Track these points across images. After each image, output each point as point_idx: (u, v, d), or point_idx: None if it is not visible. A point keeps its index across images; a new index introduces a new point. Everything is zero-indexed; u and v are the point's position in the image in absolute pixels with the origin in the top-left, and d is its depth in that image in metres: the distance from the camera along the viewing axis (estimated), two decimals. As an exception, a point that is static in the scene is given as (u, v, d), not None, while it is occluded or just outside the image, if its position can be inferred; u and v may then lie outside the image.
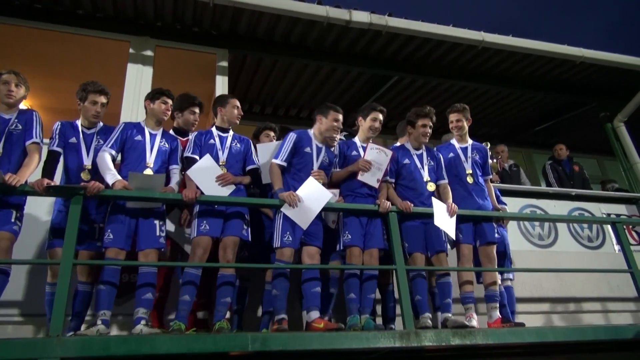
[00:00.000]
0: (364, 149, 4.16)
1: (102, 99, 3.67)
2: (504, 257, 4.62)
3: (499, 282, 4.31)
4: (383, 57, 6.48)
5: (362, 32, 5.80)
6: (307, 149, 3.94)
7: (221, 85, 5.59)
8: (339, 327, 3.40)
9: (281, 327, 3.43)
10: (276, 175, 3.79)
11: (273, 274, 3.63)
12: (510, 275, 4.73)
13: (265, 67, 6.70)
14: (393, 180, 4.23)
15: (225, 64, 5.78)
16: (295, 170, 3.90)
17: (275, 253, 3.68)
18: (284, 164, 3.85)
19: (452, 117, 4.53)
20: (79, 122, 3.70)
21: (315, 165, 3.93)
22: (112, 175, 3.43)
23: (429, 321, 3.77)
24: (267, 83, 7.14)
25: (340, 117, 4.04)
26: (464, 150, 4.49)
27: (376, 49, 6.30)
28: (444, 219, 3.96)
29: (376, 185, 4.07)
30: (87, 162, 3.58)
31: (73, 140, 3.60)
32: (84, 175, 3.53)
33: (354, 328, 3.50)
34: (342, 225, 3.95)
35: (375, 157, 4.08)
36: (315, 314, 3.51)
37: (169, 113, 3.91)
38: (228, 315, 3.68)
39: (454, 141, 4.57)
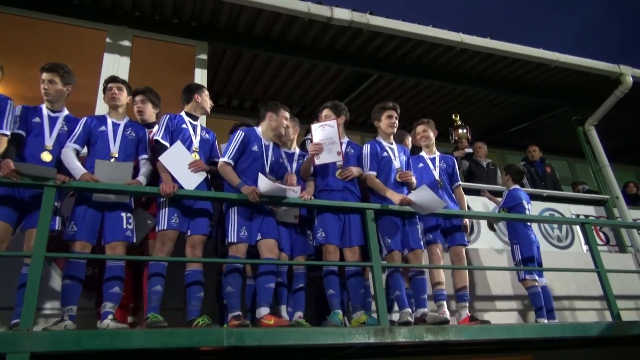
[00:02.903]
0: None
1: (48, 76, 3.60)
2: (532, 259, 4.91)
3: None
4: (363, 55, 6.51)
5: (343, 29, 5.81)
6: (255, 148, 3.87)
7: (200, 78, 5.52)
8: (291, 323, 3.44)
9: (243, 322, 3.36)
10: (230, 172, 3.71)
11: (226, 269, 3.56)
12: (544, 280, 4.97)
13: (245, 61, 6.65)
14: (375, 173, 4.21)
15: (204, 56, 5.72)
16: (241, 169, 3.80)
17: (229, 249, 3.62)
18: (232, 162, 3.76)
19: (419, 128, 4.77)
20: (43, 106, 3.64)
21: (266, 166, 3.88)
22: (78, 169, 3.40)
23: (409, 317, 3.79)
24: (246, 77, 7.08)
25: (288, 115, 4.08)
26: (432, 160, 4.66)
27: (356, 47, 6.32)
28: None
29: (339, 159, 4.00)
30: (49, 142, 3.50)
31: (37, 120, 3.54)
32: (45, 157, 3.44)
33: (332, 324, 3.53)
34: (316, 222, 3.96)
35: (322, 134, 4.03)
36: (265, 310, 3.50)
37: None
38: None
39: (423, 153, 4.74)
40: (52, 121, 3.59)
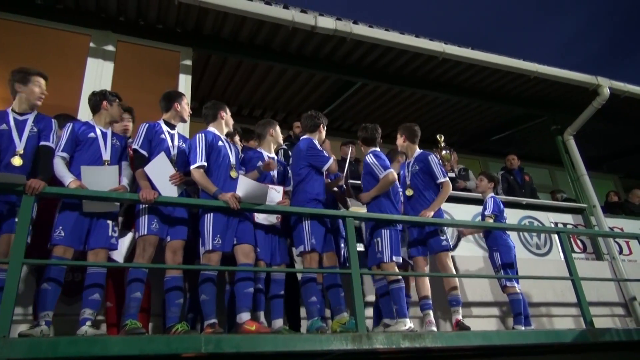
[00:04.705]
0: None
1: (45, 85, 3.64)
2: (511, 265, 5.03)
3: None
4: (347, 63, 6.57)
5: (327, 37, 5.87)
6: (220, 143, 3.96)
7: (184, 83, 5.53)
8: (272, 331, 3.48)
9: (217, 330, 3.40)
10: (204, 179, 3.74)
11: (201, 278, 3.58)
12: (518, 286, 5.04)
13: (230, 67, 6.68)
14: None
15: (189, 62, 5.73)
16: (213, 168, 3.86)
17: (202, 256, 3.63)
18: (205, 164, 3.78)
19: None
20: (9, 110, 3.57)
21: (232, 159, 3.96)
22: (68, 177, 3.43)
23: (404, 326, 3.88)
24: (231, 83, 7.11)
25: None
26: (403, 165, 4.71)
27: (341, 55, 6.38)
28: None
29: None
30: (20, 147, 3.44)
31: (4, 127, 3.47)
32: (16, 161, 3.38)
33: (321, 331, 3.57)
34: (308, 228, 3.98)
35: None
36: (246, 316, 3.52)
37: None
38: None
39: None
40: (21, 125, 3.51)
